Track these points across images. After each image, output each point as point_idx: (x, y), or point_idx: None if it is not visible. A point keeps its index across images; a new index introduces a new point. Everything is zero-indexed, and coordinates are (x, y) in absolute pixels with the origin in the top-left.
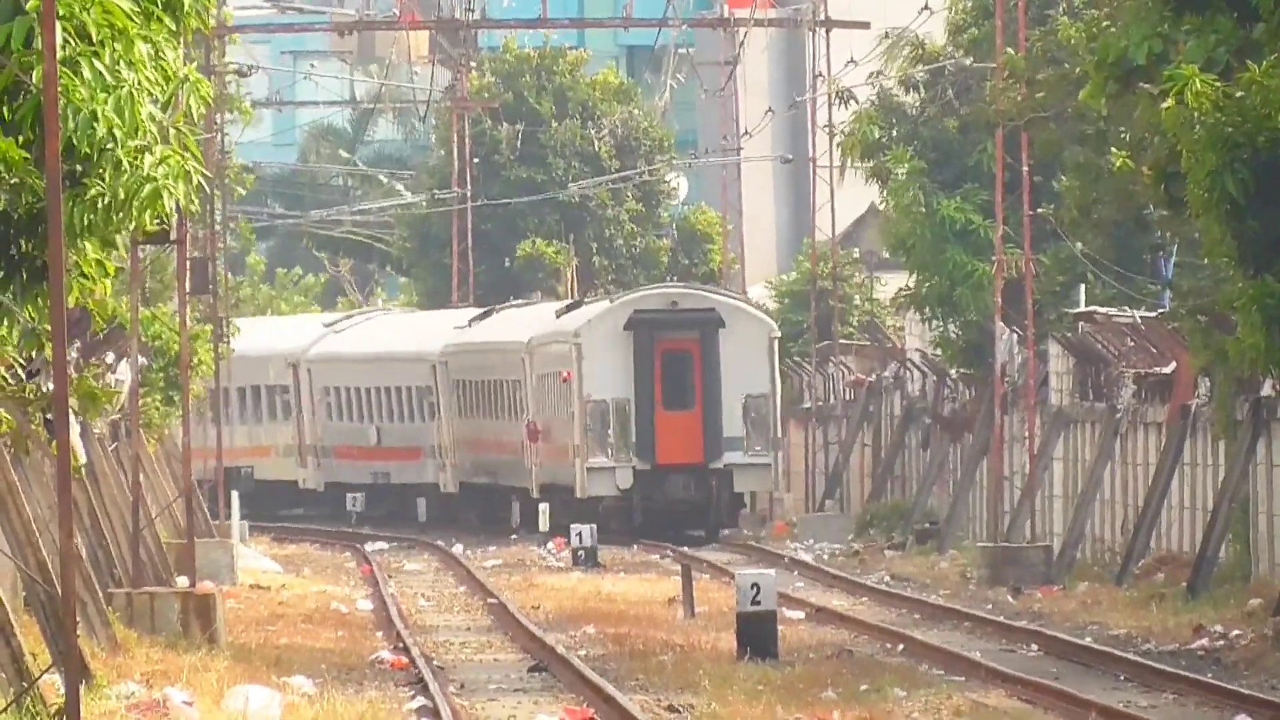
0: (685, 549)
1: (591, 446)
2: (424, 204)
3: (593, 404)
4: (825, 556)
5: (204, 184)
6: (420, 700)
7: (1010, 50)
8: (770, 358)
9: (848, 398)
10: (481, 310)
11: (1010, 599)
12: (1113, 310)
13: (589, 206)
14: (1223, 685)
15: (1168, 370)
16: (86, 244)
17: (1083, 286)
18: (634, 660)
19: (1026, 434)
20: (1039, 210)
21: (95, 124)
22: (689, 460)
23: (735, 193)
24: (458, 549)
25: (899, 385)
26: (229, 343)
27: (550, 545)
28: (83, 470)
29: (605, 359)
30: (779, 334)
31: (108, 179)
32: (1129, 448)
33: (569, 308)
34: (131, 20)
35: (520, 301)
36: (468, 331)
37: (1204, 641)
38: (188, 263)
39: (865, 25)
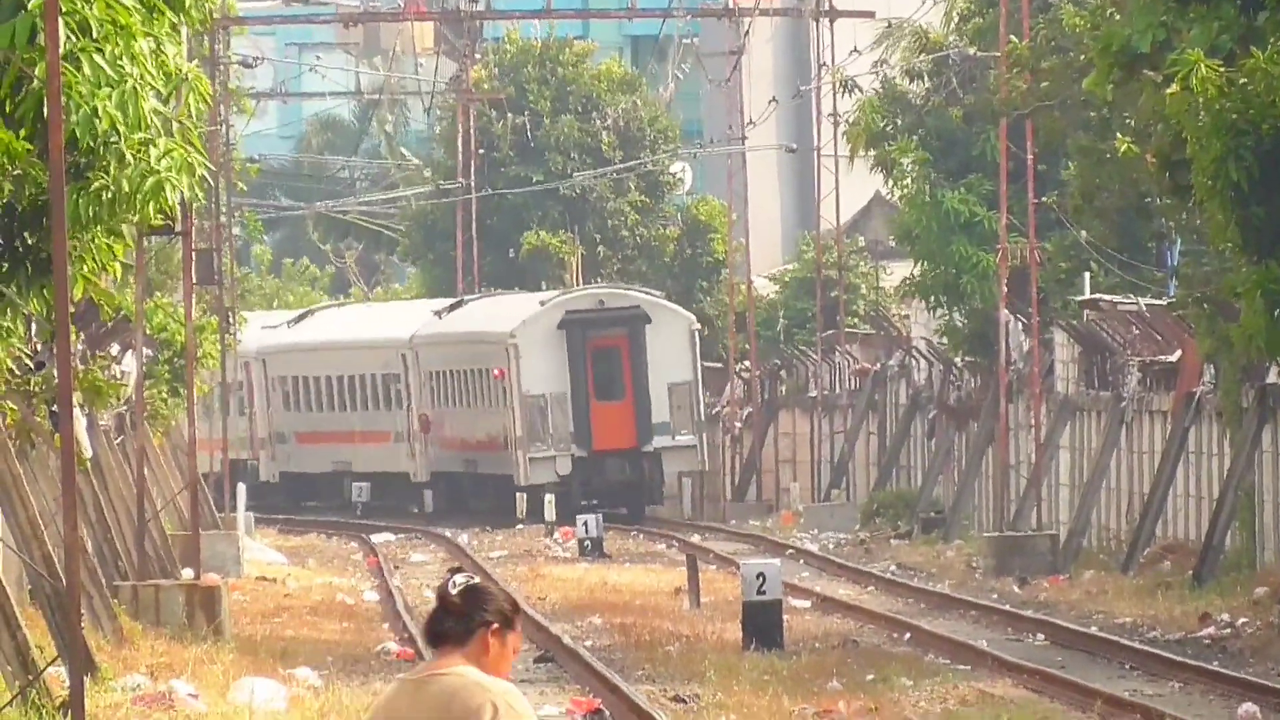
0: (696, 539)
1: (532, 437)
2: (419, 197)
3: (530, 398)
4: (831, 546)
5: (207, 177)
6: None
7: (1014, 39)
8: (691, 349)
9: (853, 387)
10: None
11: (1016, 588)
12: (1118, 298)
13: (591, 198)
14: (1229, 673)
15: (1173, 358)
16: (93, 234)
17: (1087, 274)
18: (640, 650)
19: (1032, 422)
20: (1043, 199)
21: (97, 119)
22: (623, 446)
23: (740, 182)
24: (463, 539)
25: (904, 374)
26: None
27: (557, 535)
28: (88, 463)
29: (541, 356)
30: (698, 327)
31: (112, 171)
32: (1134, 436)
33: (451, 307)
34: (133, 15)
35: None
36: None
37: (1210, 630)
38: (193, 254)
39: (870, 14)
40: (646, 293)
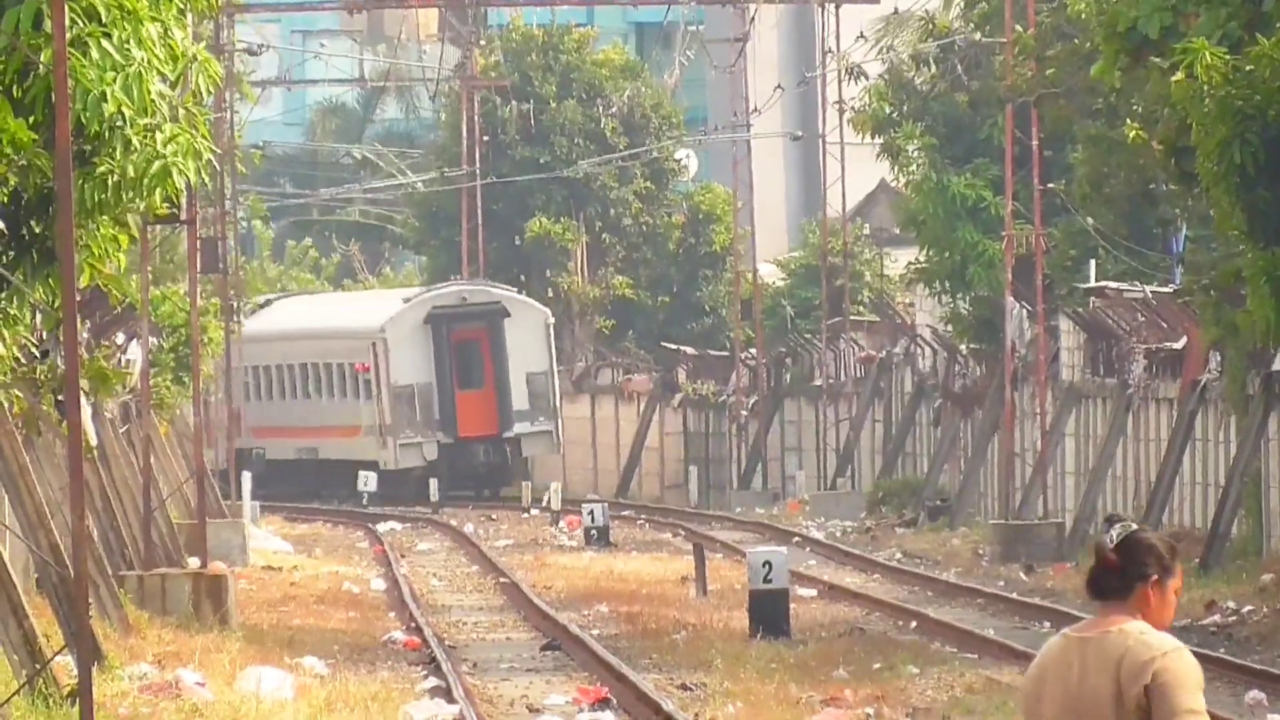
0: (702, 528)
1: (400, 425)
2: (425, 184)
3: (399, 388)
4: (837, 534)
5: (214, 162)
6: (433, 680)
7: (1019, 26)
8: (547, 340)
9: (858, 374)
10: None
11: (1022, 576)
12: (1124, 285)
13: (594, 185)
14: (1236, 661)
15: (1179, 345)
16: (99, 221)
17: (1093, 261)
18: (647, 639)
19: (1038, 410)
20: (1049, 185)
21: (104, 103)
22: (485, 432)
23: (745, 170)
24: (469, 529)
25: (910, 361)
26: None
27: (563, 524)
28: (94, 451)
29: (408, 350)
30: (553, 320)
31: (118, 157)
32: (1140, 423)
33: (261, 306)
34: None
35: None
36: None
37: (1216, 617)
38: (198, 242)
39: (875, 0)
40: (505, 289)
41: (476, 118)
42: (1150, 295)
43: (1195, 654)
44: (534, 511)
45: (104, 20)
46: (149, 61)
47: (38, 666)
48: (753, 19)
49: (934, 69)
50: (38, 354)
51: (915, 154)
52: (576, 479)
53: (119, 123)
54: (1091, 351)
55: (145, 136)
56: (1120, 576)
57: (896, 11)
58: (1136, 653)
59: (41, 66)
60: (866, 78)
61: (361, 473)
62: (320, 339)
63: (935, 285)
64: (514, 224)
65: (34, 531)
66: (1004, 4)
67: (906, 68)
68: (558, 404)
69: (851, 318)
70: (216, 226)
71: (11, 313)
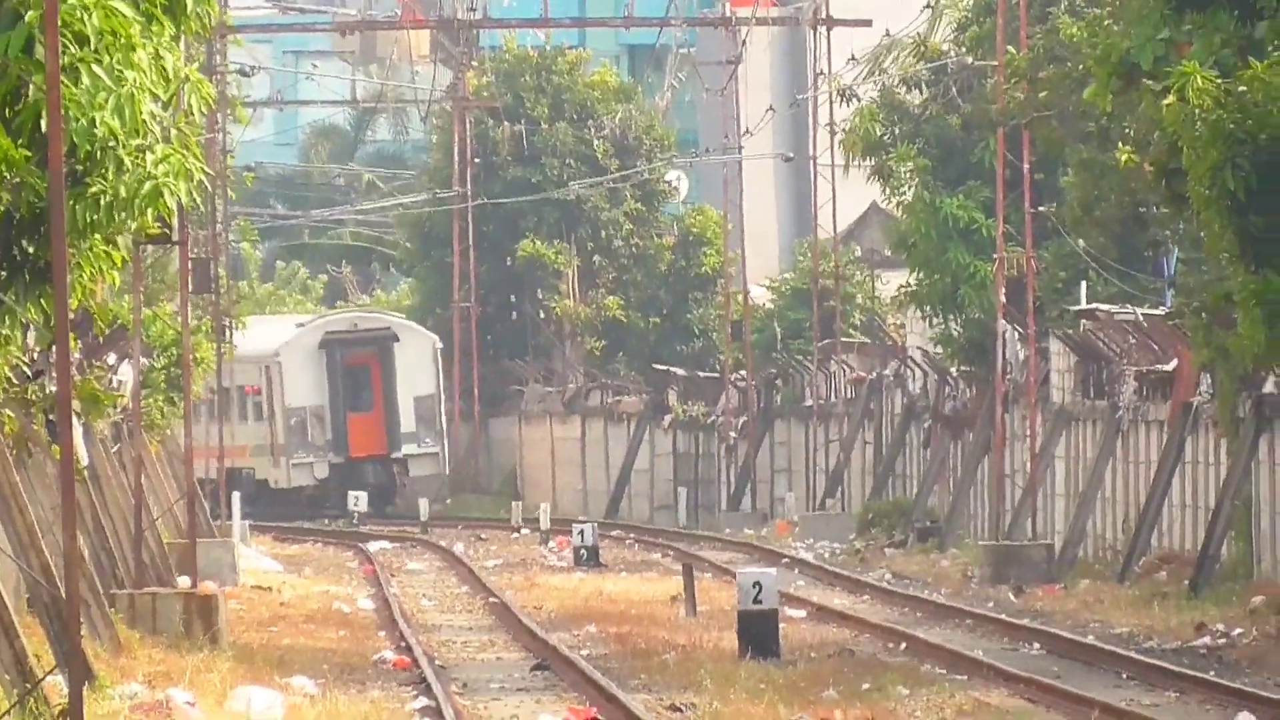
0: (691, 548)
1: (293, 445)
2: (416, 205)
3: (292, 410)
4: (827, 555)
5: (205, 183)
6: (423, 700)
7: (1011, 49)
8: (434, 365)
9: (849, 396)
10: None
11: (1012, 597)
12: (1114, 308)
13: (586, 207)
14: (1225, 683)
15: (1169, 368)
16: (91, 241)
17: (1084, 284)
18: (636, 659)
19: (1028, 432)
20: (1041, 209)
21: (95, 129)
22: (374, 453)
23: (736, 191)
24: (458, 548)
25: (900, 383)
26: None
27: (552, 544)
28: (84, 471)
29: (302, 373)
30: (441, 345)
31: (110, 178)
32: (1131, 445)
33: None
34: (132, 25)
35: None
36: None
37: (1206, 640)
38: (189, 263)
39: (867, 23)
40: (395, 316)
41: (468, 139)
42: (1141, 318)
43: (1185, 676)
44: (524, 531)
45: (95, 46)
46: (141, 83)
47: (29, 686)
48: (744, 41)
49: (925, 92)
50: (30, 374)
51: (907, 176)
52: (566, 500)
53: (111, 143)
54: (1082, 374)
55: (137, 157)
56: None
57: (889, 34)
58: None
59: (33, 90)
60: (858, 100)
61: (352, 493)
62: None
63: (926, 307)
64: (505, 245)
65: (25, 551)
66: (996, 27)
67: (899, 90)
68: (444, 426)
69: (842, 339)
70: (208, 247)
71: (3, 333)
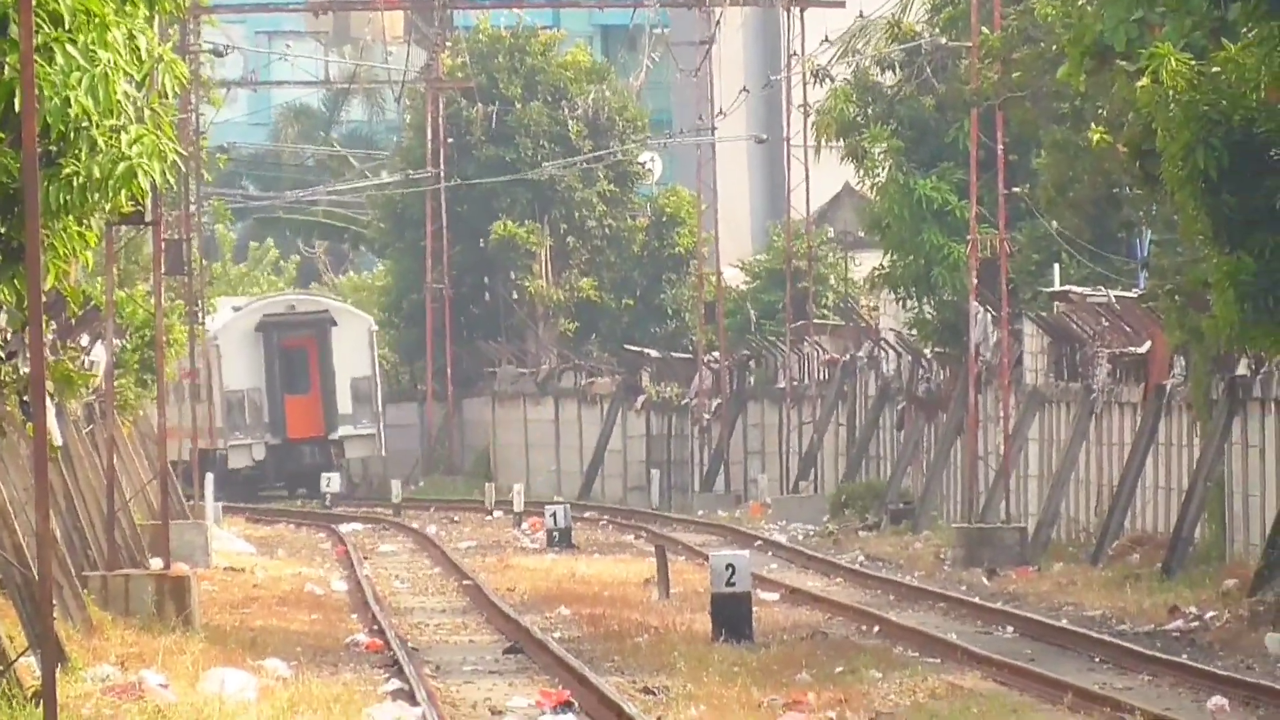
0: (664, 530)
1: (231, 427)
2: (389, 186)
3: (231, 392)
4: (800, 537)
5: (179, 163)
6: (395, 682)
7: (986, 30)
8: (370, 348)
9: (822, 378)
10: None
11: (985, 580)
12: (1088, 289)
13: (558, 189)
14: (1198, 666)
15: (1143, 350)
16: (65, 222)
17: (1057, 266)
18: (609, 642)
19: (1001, 414)
20: (1014, 189)
21: (69, 108)
22: (312, 434)
23: (709, 172)
24: (431, 530)
25: (874, 365)
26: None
27: (525, 526)
28: (58, 452)
29: (240, 356)
30: (376, 328)
31: (83, 158)
32: (1104, 427)
33: None
34: (106, 3)
35: None
36: None
37: (1179, 622)
38: (163, 244)
39: (841, 4)
40: (332, 299)
41: (441, 119)
42: (1114, 299)
43: (1158, 659)
44: (497, 514)
45: (69, 26)
46: (115, 63)
47: (1, 668)
48: (718, 22)
49: (899, 72)
50: (3, 355)
51: (881, 157)
52: (539, 481)
53: (84, 123)
54: (1055, 356)
55: (110, 137)
56: None
57: (862, 15)
58: None
59: (7, 70)
60: (832, 80)
61: (324, 475)
62: None
63: (900, 289)
64: (479, 226)
65: None
66: (970, 8)
67: (872, 71)
68: (380, 408)
69: (815, 321)
70: (181, 229)
71: None
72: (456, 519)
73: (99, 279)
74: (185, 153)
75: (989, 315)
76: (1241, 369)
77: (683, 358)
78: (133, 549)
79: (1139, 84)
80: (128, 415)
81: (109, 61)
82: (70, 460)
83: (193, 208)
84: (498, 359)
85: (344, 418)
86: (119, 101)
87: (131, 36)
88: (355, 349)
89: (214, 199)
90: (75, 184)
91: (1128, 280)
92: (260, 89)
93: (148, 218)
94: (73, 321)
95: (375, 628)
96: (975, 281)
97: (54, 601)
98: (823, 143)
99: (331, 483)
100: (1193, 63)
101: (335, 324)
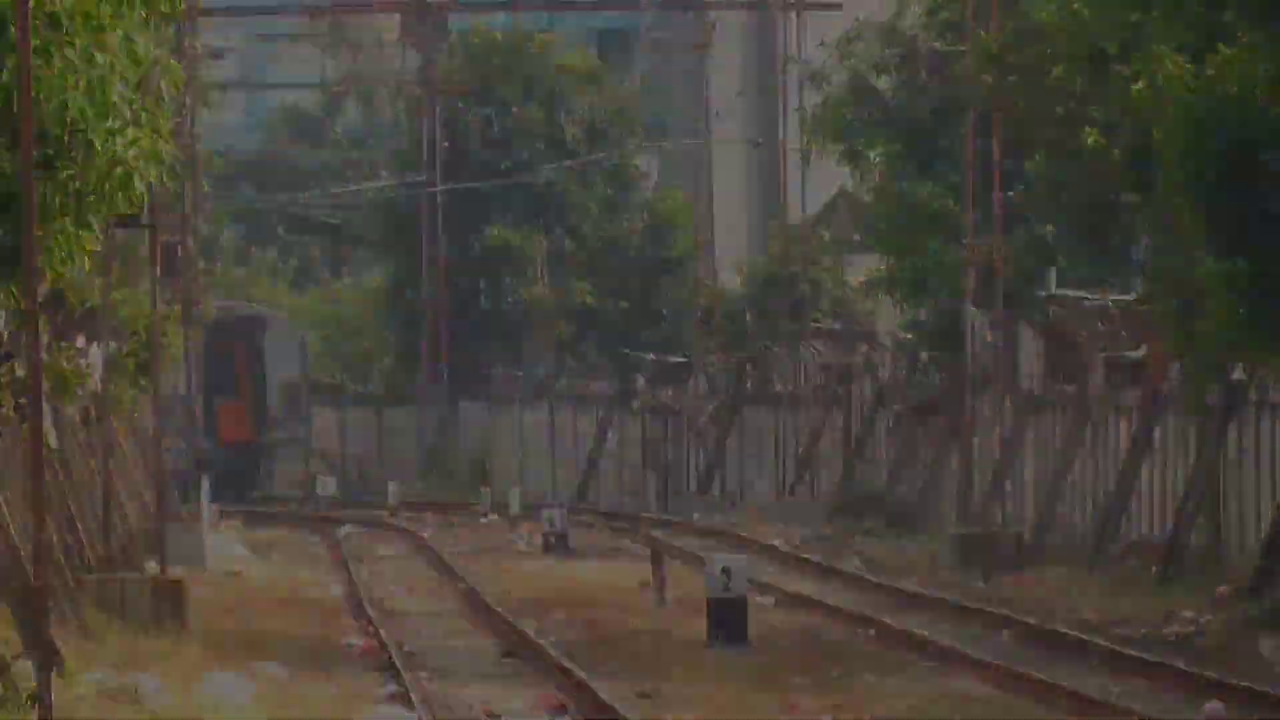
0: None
1: (162, 430)
2: (385, 189)
3: (162, 397)
4: (796, 542)
5: (176, 167)
6: (392, 686)
7: (982, 33)
8: (301, 354)
9: (818, 382)
10: None
11: (981, 584)
12: (1083, 294)
13: (554, 192)
14: (1194, 671)
15: (1139, 354)
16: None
17: (1053, 270)
18: (605, 646)
19: (997, 419)
20: (1009, 193)
21: (66, 110)
22: (242, 437)
23: (705, 176)
24: (428, 534)
25: (870, 369)
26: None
27: (521, 530)
28: (54, 455)
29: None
30: (307, 335)
31: (79, 162)
32: (1100, 432)
33: None
34: (102, 5)
35: None
36: None
37: (1175, 627)
38: (160, 247)
39: (837, 7)
40: (263, 305)
41: (437, 123)
42: (1110, 304)
43: (1154, 664)
44: (492, 517)
45: (66, 28)
46: (112, 65)
47: None
48: (714, 26)
49: (895, 76)
50: None
51: (877, 161)
52: (535, 485)
53: (81, 126)
54: (1051, 360)
55: (107, 140)
56: None
57: (859, 19)
58: None
59: (5, 73)
60: (829, 84)
61: (320, 478)
62: None
63: (896, 293)
64: (474, 229)
65: None
66: (966, 12)
67: (869, 75)
68: (309, 412)
69: (812, 325)
70: (178, 231)
71: None
72: (453, 522)
73: (97, 280)
74: (181, 156)
75: (985, 320)
76: (1237, 373)
77: (679, 362)
78: (129, 552)
79: (1135, 87)
80: (124, 417)
81: (106, 64)
82: (66, 463)
83: (189, 209)
84: (493, 363)
85: (273, 421)
86: (115, 104)
87: (128, 39)
88: (286, 354)
89: (211, 202)
90: (71, 188)
91: (1124, 284)
92: (256, 92)
93: (144, 220)
94: (71, 319)
95: (371, 631)
96: (972, 286)
97: (49, 605)
98: (814, 146)
99: (327, 486)
100: (1189, 65)
101: (266, 329)
